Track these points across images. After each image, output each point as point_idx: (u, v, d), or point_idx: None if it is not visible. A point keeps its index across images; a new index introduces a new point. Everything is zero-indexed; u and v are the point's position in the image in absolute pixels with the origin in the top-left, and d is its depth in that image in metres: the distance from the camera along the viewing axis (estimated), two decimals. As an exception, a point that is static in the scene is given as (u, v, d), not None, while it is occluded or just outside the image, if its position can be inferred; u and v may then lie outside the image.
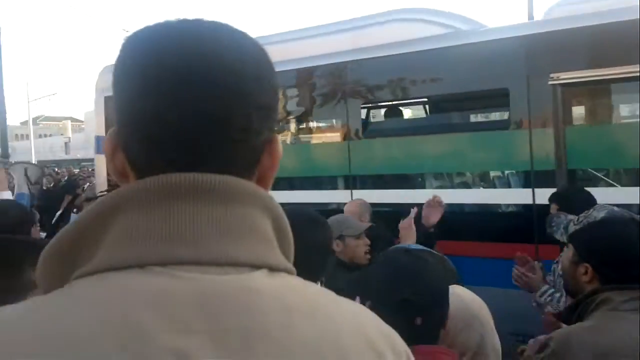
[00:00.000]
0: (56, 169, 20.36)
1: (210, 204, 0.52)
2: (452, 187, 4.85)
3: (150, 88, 0.53)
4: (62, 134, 37.77)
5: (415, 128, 5.42)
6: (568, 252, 1.63)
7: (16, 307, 0.50)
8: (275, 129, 0.60)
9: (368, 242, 2.75)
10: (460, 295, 1.51)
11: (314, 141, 5.90)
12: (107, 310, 0.47)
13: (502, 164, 4.56)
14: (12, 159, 15.93)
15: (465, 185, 4.88)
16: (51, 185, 14.00)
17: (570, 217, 2.57)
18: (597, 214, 2.21)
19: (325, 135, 5.95)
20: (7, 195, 3.56)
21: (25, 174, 7.08)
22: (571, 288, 1.62)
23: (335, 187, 5.31)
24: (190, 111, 0.52)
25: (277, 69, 0.60)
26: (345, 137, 5.11)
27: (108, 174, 5.31)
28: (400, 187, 4.81)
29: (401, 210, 3.24)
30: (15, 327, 0.47)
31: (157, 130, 0.53)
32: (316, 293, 0.58)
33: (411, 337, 1.23)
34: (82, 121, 45.23)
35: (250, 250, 0.52)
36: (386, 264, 1.31)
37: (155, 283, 0.48)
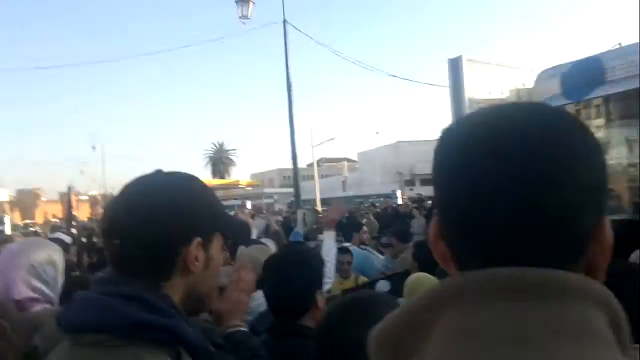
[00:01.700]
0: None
1: (539, 302, 0.50)
2: None
3: (456, 175, 0.55)
4: (339, 174, 42.00)
5: None
6: None
7: None
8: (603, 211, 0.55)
9: None
10: None
11: None
12: None
13: None
14: (301, 198, 18.30)
15: None
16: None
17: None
18: None
19: None
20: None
21: (303, 219, 8.84)
22: None
23: None
24: (500, 196, 0.52)
25: None
26: None
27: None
28: None
29: None
30: None
31: (466, 217, 0.54)
32: None
33: None
34: (355, 161, 49.65)
35: (589, 354, 0.48)
36: None
37: None
